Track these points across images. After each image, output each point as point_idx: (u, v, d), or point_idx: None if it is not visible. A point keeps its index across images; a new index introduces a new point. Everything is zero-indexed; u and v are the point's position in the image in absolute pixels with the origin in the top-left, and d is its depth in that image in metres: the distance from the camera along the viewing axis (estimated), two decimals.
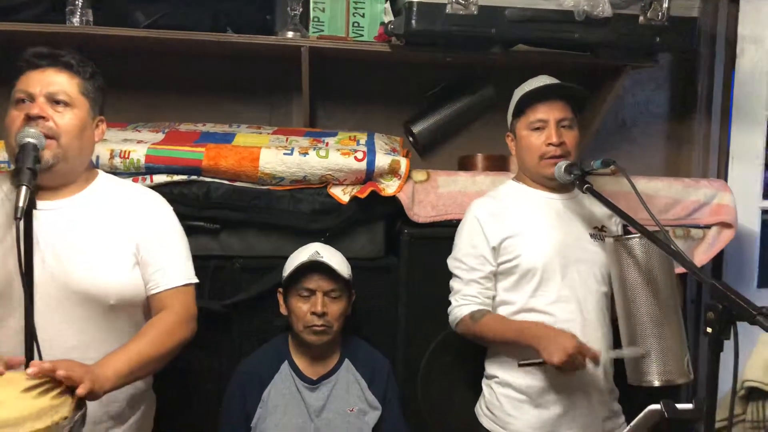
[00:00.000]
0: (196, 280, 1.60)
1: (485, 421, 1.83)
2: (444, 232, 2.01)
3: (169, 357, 1.49)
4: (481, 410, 1.86)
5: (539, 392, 1.74)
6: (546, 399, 1.73)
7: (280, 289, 1.88)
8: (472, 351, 1.99)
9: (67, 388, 1.20)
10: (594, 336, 1.73)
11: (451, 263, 1.85)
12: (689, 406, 1.25)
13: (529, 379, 1.74)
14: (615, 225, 1.89)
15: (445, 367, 2.05)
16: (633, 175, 1.78)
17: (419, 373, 2.04)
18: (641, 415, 1.25)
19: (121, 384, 1.36)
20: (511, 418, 1.76)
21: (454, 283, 1.84)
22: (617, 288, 1.68)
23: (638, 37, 2.08)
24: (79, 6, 1.99)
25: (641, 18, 2.07)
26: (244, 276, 2.00)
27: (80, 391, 1.19)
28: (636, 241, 1.62)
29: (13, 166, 1.47)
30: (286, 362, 1.85)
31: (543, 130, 1.78)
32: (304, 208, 1.98)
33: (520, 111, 1.82)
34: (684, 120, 2.67)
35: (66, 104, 1.45)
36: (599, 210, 1.84)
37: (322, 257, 1.82)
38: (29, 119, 1.41)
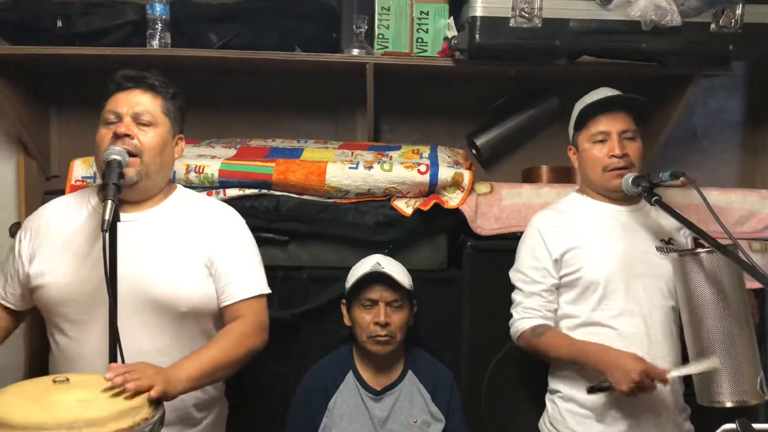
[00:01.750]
0: (268, 291, 1.65)
1: None
2: (508, 245, 1.99)
3: (240, 364, 1.54)
4: (544, 425, 1.84)
5: (604, 408, 1.70)
6: (611, 415, 1.70)
7: (344, 301, 1.92)
8: (537, 364, 1.97)
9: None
10: (660, 351, 1.69)
11: (513, 275, 1.85)
12: (766, 426, 1.20)
13: (593, 395, 1.70)
14: (684, 237, 1.84)
15: (509, 380, 2.03)
16: (705, 187, 1.74)
17: (483, 385, 2.03)
18: None
19: (193, 387, 1.42)
20: None
21: (515, 296, 1.83)
22: (683, 304, 1.63)
23: (710, 45, 2.03)
24: (159, 30, 2.10)
25: (713, 26, 2.01)
26: (311, 286, 2.05)
27: (153, 393, 1.25)
28: (704, 256, 1.57)
29: (99, 181, 1.57)
30: (351, 372, 1.88)
31: (605, 142, 1.75)
32: (369, 221, 2.02)
33: (581, 124, 1.80)
34: (760, 128, 2.57)
35: (149, 124, 1.55)
36: (667, 222, 1.80)
37: (383, 268, 1.85)
38: (116, 137, 1.50)
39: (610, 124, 1.75)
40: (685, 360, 1.68)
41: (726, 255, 1.45)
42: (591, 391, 1.65)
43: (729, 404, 1.50)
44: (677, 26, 1.96)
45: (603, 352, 1.63)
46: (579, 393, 1.73)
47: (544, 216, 1.85)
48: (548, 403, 1.84)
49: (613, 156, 1.73)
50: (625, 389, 1.52)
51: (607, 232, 1.76)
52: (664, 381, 1.56)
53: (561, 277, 1.76)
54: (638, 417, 1.68)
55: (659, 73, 2.15)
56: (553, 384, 1.82)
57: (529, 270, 1.79)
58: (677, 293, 1.67)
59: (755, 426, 1.19)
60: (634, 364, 1.54)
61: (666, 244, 1.78)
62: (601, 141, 1.76)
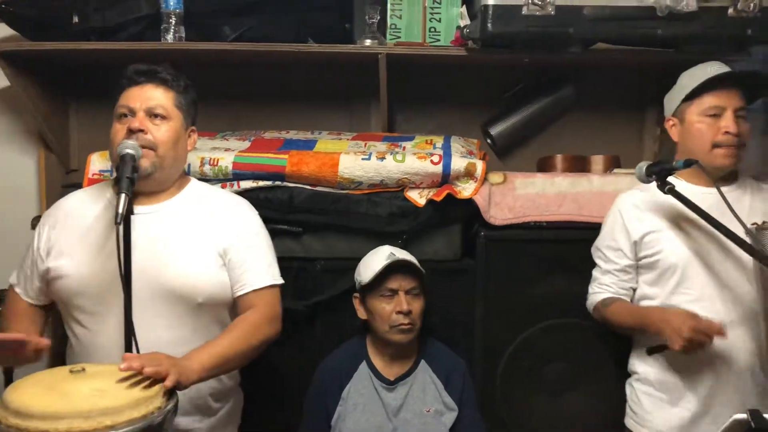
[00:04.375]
0: (281, 281, 1.67)
1: (627, 420, 1.84)
2: (521, 235, 2.00)
3: (254, 354, 1.56)
4: (627, 408, 1.85)
5: (677, 390, 1.71)
6: (687, 398, 1.70)
7: (356, 294, 1.93)
8: (551, 354, 1.98)
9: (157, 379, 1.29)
10: (741, 337, 1.66)
11: (594, 252, 1.88)
12: None
13: (667, 377, 1.72)
14: None
15: (523, 371, 2.04)
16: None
17: (496, 375, 2.03)
18: (725, 425, 1.19)
19: (207, 377, 1.44)
20: (649, 416, 1.75)
21: (594, 271, 1.87)
22: (761, 283, 1.59)
23: (727, 29, 1.99)
24: (173, 24, 2.12)
25: (731, 10, 1.97)
26: (325, 276, 2.06)
27: (167, 383, 1.28)
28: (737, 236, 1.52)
29: (114, 175, 1.60)
30: (364, 362, 1.89)
31: (718, 117, 1.70)
32: (382, 212, 2.02)
33: (694, 94, 1.73)
34: None
35: (162, 117, 1.57)
36: (763, 205, 1.74)
37: (399, 257, 1.86)
38: (130, 132, 1.53)
39: (726, 99, 1.69)
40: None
41: (745, 249, 1.41)
42: (649, 352, 1.68)
43: None
44: (693, 11, 1.93)
45: (654, 314, 1.64)
46: (654, 374, 1.75)
47: (628, 196, 1.84)
48: (627, 387, 1.86)
49: (727, 132, 1.68)
50: (677, 347, 1.52)
51: (690, 215, 1.70)
52: (721, 334, 1.54)
53: (640, 259, 1.76)
54: (714, 398, 1.68)
55: (676, 59, 2.11)
56: (632, 366, 1.85)
57: (606, 249, 1.82)
58: (760, 270, 1.60)
59: (767, 416, 1.17)
60: (685, 320, 1.53)
61: (760, 227, 1.68)
62: (714, 116, 1.70)
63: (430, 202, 2.01)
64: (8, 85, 2.27)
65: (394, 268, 1.84)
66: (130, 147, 1.48)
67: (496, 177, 2.06)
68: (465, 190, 2.02)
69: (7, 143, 2.47)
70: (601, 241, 1.85)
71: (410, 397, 1.87)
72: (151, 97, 1.57)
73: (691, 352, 1.54)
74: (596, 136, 2.46)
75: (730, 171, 1.74)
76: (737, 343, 1.64)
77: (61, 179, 2.44)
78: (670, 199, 1.71)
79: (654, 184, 1.75)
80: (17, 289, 1.66)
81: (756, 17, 1.96)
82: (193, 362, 1.40)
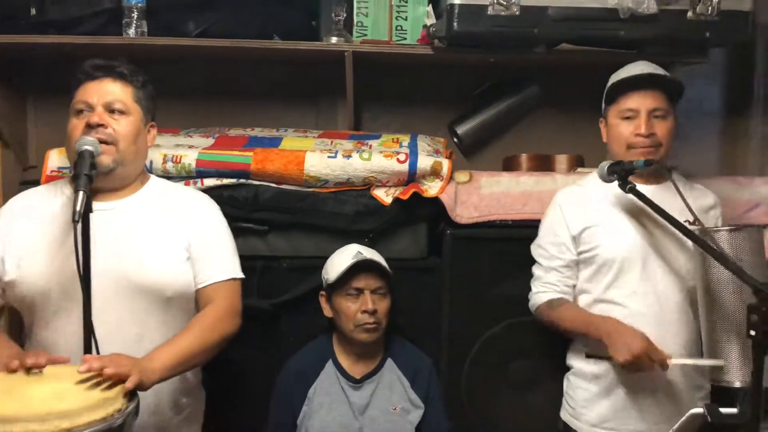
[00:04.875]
0: (241, 276, 1.66)
1: (563, 413, 1.86)
2: (487, 233, 2.01)
3: (215, 350, 1.55)
4: (563, 402, 1.87)
5: (611, 385, 1.73)
6: (621, 392, 1.72)
7: (322, 293, 1.92)
8: (516, 352, 1.99)
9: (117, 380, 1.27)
10: (671, 331, 1.70)
11: (534, 250, 1.87)
12: (734, 410, 1.22)
13: (603, 372, 1.74)
14: (714, 219, 1.83)
15: (490, 368, 2.05)
16: (683, 174, 1.74)
17: (463, 373, 2.04)
18: (683, 418, 1.23)
19: (168, 376, 1.42)
20: (585, 410, 1.77)
21: (535, 270, 1.86)
22: (700, 282, 1.62)
23: (687, 32, 2.04)
24: (135, 18, 2.08)
25: (690, 13, 2.02)
26: (291, 276, 2.04)
27: (128, 384, 1.25)
28: (723, 235, 1.55)
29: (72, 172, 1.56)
30: (330, 361, 1.88)
31: (633, 119, 1.74)
32: (348, 210, 2.02)
33: (612, 98, 1.78)
34: (738, 116, 2.59)
35: (121, 112, 1.54)
36: (694, 204, 1.77)
37: (366, 256, 1.85)
38: (89, 127, 1.50)
39: (640, 101, 1.73)
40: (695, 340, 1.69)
41: (694, 241, 1.45)
42: (589, 356, 1.70)
43: (738, 384, 1.49)
44: (654, 13, 1.97)
45: (610, 324, 1.65)
46: (590, 369, 1.76)
47: (567, 192, 1.86)
48: (564, 380, 1.87)
49: (638, 135, 1.72)
50: (621, 360, 1.55)
51: (628, 212, 1.76)
52: (664, 365, 1.58)
53: (579, 254, 1.78)
54: (648, 397, 1.71)
55: (638, 60, 2.15)
56: (569, 360, 1.86)
57: (548, 245, 1.82)
58: (696, 269, 1.65)
59: (722, 410, 1.21)
60: (639, 340, 1.56)
61: (690, 224, 1.74)
62: (629, 118, 1.74)
63: (396, 200, 2.01)
64: None
65: (360, 267, 1.83)
66: (88, 143, 1.45)
67: (461, 176, 2.07)
68: (431, 188, 2.03)
69: None
70: (543, 238, 1.85)
71: (376, 396, 1.87)
72: (109, 91, 1.54)
73: (631, 370, 1.57)
74: (561, 135, 2.49)
75: (656, 170, 1.75)
76: (667, 336, 1.66)
77: (19, 176, 2.37)
78: (609, 195, 1.77)
79: (592, 181, 1.82)
80: None
81: (714, 21, 2.01)
82: (155, 362, 1.38)
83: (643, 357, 1.54)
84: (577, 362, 1.82)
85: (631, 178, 1.73)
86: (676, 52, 2.13)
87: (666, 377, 1.70)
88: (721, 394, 1.64)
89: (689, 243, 1.70)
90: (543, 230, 1.86)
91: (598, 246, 1.74)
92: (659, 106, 1.73)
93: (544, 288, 1.82)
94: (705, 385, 1.76)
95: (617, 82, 1.77)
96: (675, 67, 2.18)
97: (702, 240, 1.44)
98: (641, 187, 1.74)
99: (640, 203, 1.71)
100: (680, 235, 1.69)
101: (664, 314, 1.71)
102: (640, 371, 1.57)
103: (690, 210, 1.64)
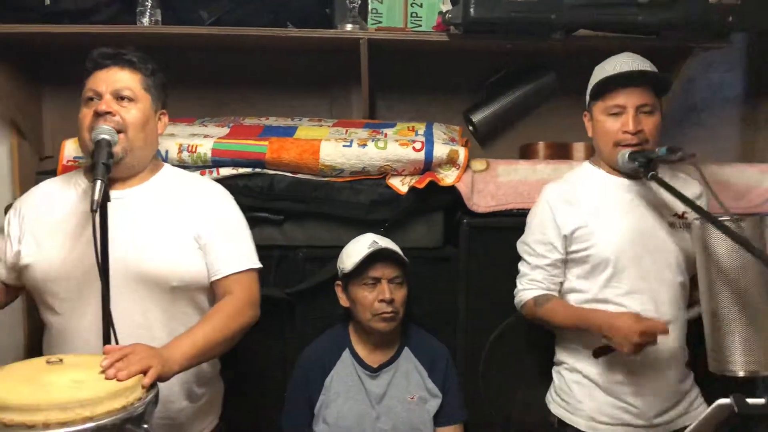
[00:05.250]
0: (259, 265, 1.65)
1: (555, 408, 1.82)
2: (504, 222, 1.99)
3: (234, 340, 1.54)
4: (551, 397, 1.85)
5: (608, 378, 1.72)
6: (616, 386, 1.71)
7: (338, 282, 1.91)
8: (534, 340, 1.98)
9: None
10: (668, 326, 1.66)
11: (520, 246, 1.85)
12: (762, 401, 1.19)
13: (597, 367, 1.73)
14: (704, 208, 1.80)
15: (506, 357, 2.04)
16: (703, 162, 1.71)
17: (480, 362, 2.03)
18: (709, 409, 1.20)
19: (188, 366, 1.42)
20: (581, 404, 1.75)
21: (521, 266, 1.84)
22: (702, 271, 1.57)
23: (708, 17, 1.99)
24: (148, 7, 2.07)
25: None
26: (307, 265, 2.04)
27: (147, 380, 1.25)
28: (726, 224, 1.50)
29: (84, 161, 1.56)
30: (347, 350, 1.88)
31: (620, 116, 1.71)
32: (363, 199, 2.00)
33: (597, 93, 1.75)
34: (760, 102, 2.54)
35: (130, 99, 1.54)
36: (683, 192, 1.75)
37: (382, 245, 1.84)
38: (97, 115, 1.50)
39: (627, 98, 1.70)
40: (696, 330, 1.66)
41: (719, 228, 1.42)
42: (596, 354, 1.68)
43: (741, 374, 1.46)
44: None
45: (599, 318, 1.64)
46: (584, 364, 1.75)
47: (555, 189, 1.82)
48: (555, 375, 1.85)
49: (626, 132, 1.69)
50: (627, 352, 1.55)
51: (619, 208, 1.74)
52: (665, 332, 1.58)
53: (570, 253, 1.76)
54: (642, 386, 1.70)
55: (656, 46, 2.12)
56: (560, 355, 1.84)
57: (535, 244, 1.79)
58: (697, 260, 1.60)
59: (750, 401, 1.18)
60: (632, 326, 1.55)
61: (679, 218, 1.75)
62: (616, 114, 1.72)
63: (412, 189, 1.99)
64: None
65: (376, 257, 1.82)
66: (105, 132, 1.45)
67: (478, 164, 2.05)
68: (447, 177, 2.01)
69: None
70: (530, 236, 1.81)
71: (393, 385, 1.87)
72: (117, 79, 1.54)
73: (639, 353, 1.57)
74: (578, 123, 2.40)
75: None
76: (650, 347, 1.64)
77: (35, 166, 2.38)
78: (599, 192, 1.76)
79: (580, 174, 1.82)
80: None
81: (737, 5, 1.97)
82: (175, 352, 1.38)
83: (645, 337, 1.54)
84: (568, 357, 1.80)
85: (611, 173, 1.75)
86: (696, 36, 2.08)
87: (667, 366, 1.70)
88: (714, 383, 1.61)
89: (679, 237, 1.71)
90: (530, 228, 1.82)
91: (592, 246, 1.72)
92: (646, 102, 1.70)
93: (530, 285, 1.79)
94: (690, 373, 1.78)
95: (603, 80, 1.73)
96: (695, 52, 2.13)
97: (729, 228, 1.41)
98: (623, 181, 1.75)
99: (630, 198, 1.73)
100: (671, 229, 1.71)
101: (658, 310, 1.69)
102: (647, 347, 1.57)
103: (684, 200, 1.60)
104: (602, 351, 1.68)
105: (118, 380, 1.21)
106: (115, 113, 1.50)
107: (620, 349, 1.57)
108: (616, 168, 1.76)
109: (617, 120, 1.71)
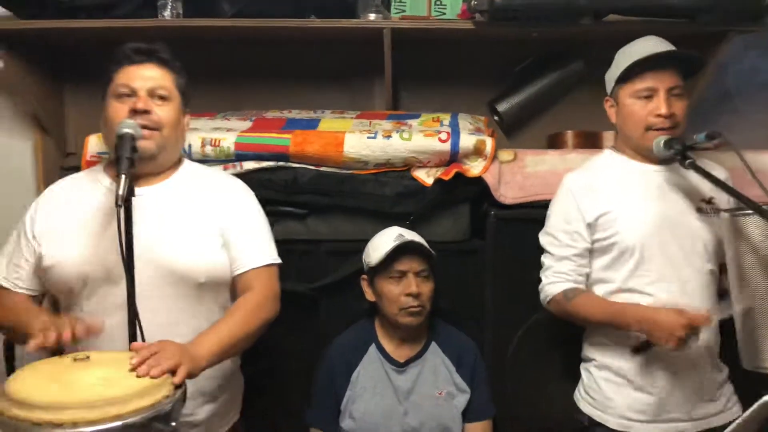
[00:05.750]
0: (278, 261, 1.64)
1: (584, 406, 1.78)
2: (532, 214, 1.94)
3: (256, 336, 1.53)
4: (579, 395, 1.81)
5: (640, 375, 1.67)
6: (647, 382, 1.67)
7: (364, 276, 1.88)
8: (564, 335, 1.94)
9: None
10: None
11: (543, 238, 1.79)
12: None
13: (628, 362, 1.68)
14: (727, 195, 1.73)
15: (535, 352, 2.00)
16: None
17: (508, 357, 2.00)
18: (755, 406, 1.16)
19: (214, 362, 1.41)
20: (611, 402, 1.70)
21: (545, 259, 1.78)
22: (732, 264, 1.54)
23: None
24: (170, 0, 2.05)
25: None
26: (331, 259, 2.02)
27: (176, 379, 1.23)
28: (753, 217, 1.47)
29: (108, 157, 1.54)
30: (373, 345, 1.86)
31: (651, 99, 1.66)
32: (389, 192, 1.97)
33: (625, 76, 1.70)
34: None
35: (164, 98, 1.54)
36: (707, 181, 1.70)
37: (408, 238, 1.81)
38: (134, 113, 1.49)
39: (657, 80, 1.65)
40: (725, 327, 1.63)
41: (762, 215, 1.37)
42: (635, 351, 1.63)
43: None
44: None
45: (640, 312, 1.59)
46: (614, 360, 1.71)
47: (577, 177, 1.78)
48: (583, 372, 1.81)
49: (659, 115, 1.65)
50: (672, 347, 1.51)
51: (644, 194, 1.69)
52: (709, 323, 1.53)
53: (594, 242, 1.71)
54: (674, 380, 1.65)
55: (691, 30, 2.05)
56: (588, 352, 1.79)
57: (559, 233, 1.74)
58: (726, 253, 1.57)
59: None
60: (677, 320, 1.50)
61: (707, 204, 1.70)
62: (647, 97, 1.67)
63: (437, 181, 1.96)
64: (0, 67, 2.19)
65: (403, 250, 1.80)
66: (129, 126, 1.43)
67: (505, 154, 2.01)
68: (474, 168, 1.97)
69: (0, 127, 2.40)
70: (552, 226, 1.76)
71: (421, 380, 1.84)
72: (152, 77, 1.54)
73: (683, 348, 1.52)
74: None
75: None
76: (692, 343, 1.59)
77: (59, 162, 2.38)
78: (622, 179, 1.72)
79: (602, 161, 1.77)
80: (5, 285, 1.57)
81: None
82: (201, 349, 1.37)
83: (690, 331, 1.49)
84: (596, 353, 1.75)
85: (635, 159, 1.71)
86: (731, 20, 2.02)
87: (699, 362, 1.66)
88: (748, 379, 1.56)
89: (707, 224, 1.66)
90: (553, 218, 1.78)
91: (617, 233, 1.67)
92: (677, 84, 1.66)
93: (557, 278, 1.73)
94: (725, 368, 1.73)
95: (634, 62, 1.67)
96: (729, 36, 2.06)
97: None
98: (648, 167, 1.71)
99: (656, 184, 1.68)
100: (698, 215, 1.67)
101: (688, 300, 1.63)
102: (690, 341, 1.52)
103: (725, 187, 1.56)
104: (642, 348, 1.63)
105: (152, 377, 1.19)
106: (151, 112, 1.50)
107: (663, 344, 1.52)
108: (645, 154, 1.71)
109: (647, 104, 1.66)
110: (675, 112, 1.65)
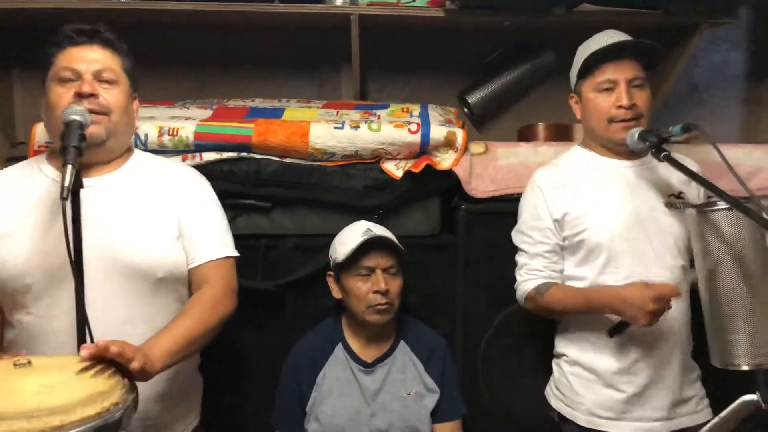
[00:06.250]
0: (235, 254, 1.57)
1: (554, 402, 1.76)
2: (504, 207, 1.91)
3: (214, 333, 1.46)
4: (551, 390, 1.79)
5: (610, 372, 1.65)
6: (617, 379, 1.64)
7: (330, 272, 1.82)
8: (534, 331, 1.92)
9: (119, 369, 1.16)
10: (669, 314, 1.58)
11: (516, 237, 1.77)
12: None
13: (600, 359, 1.66)
14: (696, 189, 1.74)
15: (506, 348, 1.98)
16: (707, 143, 1.63)
17: (479, 354, 1.97)
18: (733, 405, 1.13)
19: (171, 363, 1.33)
20: (580, 398, 1.68)
21: (519, 257, 1.76)
22: (700, 261, 1.52)
23: None
24: None
25: None
26: (297, 255, 1.95)
27: (134, 365, 1.16)
28: (722, 212, 1.46)
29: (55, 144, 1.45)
30: (339, 345, 1.80)
31: (612, 91, 1.65)
32: (357, 185, 1.91)
33: (586, 71, 1.68)
34: (763, 82, 2.48)
35: (112, 82, 1.46)
36: (676, 176, 1.70)
37: (376, 233, 1.75)
38: (79, 97, 1.40)
39: (617, 72, 1.64)
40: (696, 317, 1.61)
41: (743, 212, 1.34)
42: (611, 333, 1.61)
43: (745, 367, 1.40)
44: None
45: (609, 292, 1.57)
46: (584, 355, 1.68)
47: (545, 173, 1.75)
48: (554, 368, 1.79)
49: (620, 107, 1.63)
50: (644, 322, 1.48)
51: (612, 191, 1.67)
52: (677, 293, 1.51)
53: (564, 239, 1.69)
54: (645, 377, 1.63)
55: (663, 22, 2.04)
56: (559, 347, 1.77)
57: (531, 231, 1.72)
58: (694, 249, 1.56)
59: None
60: (644, 294, 1.48)
61: (676, 198, 1.68)
62: (608, 90, 1.65)
63: (407, 173, 1.90)
64: None
65: (370, 245, 1.74)
66: (76, 113, 1.33)
67: (477, 147, 1.96)
68: (445, 160, 1.92)
69: None
70: (525, 223, 1.74)
71: (389, 380, 1.78)
72: (97, 59, 1.44)
73: (656, 322, 1.50)
74: None
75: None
76: (668, 319, 1.57)
77: (6, 153, 2.26)
78: (590, 175, 1.70)
79: (570, 158, 1.75)
80: None
81: None
82: (156, 349, 1.28)
83: (659, 303, 1.47)
84: (568, 348, 1.73)
85: (604, 154, 1.70)
86: (703, 11, 2.00)
87: (670, 360, 1.64)
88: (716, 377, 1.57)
89: (677, 219, 1.64)
90: (524, 215, 1.75)
91: (584, 231, 1.65)
92: (637, 75, 1.65)
93: (530, 275, 1.71)
94: (696, 368, 1.71)
95: (592, 54, 1.66)
96: (701, 28, 2.06)
97: (753, 210, 1.32)
98: (616, 162, 1.69)
99: (625, 180, 1.67)
100: (668, 211, 1.65)
101: None
102: (662, 315, 1.51)
103: (701, 181, 1.53)
104: (617, 328, 1.60)
105: (110, 353, 1.13)
106: (98, 95, 1.41)
107: (635, 323, 1.50)
108: (611, 148, 1.70)
109: (609, 96, 1.65)
110: (636, 102, 1.63)
